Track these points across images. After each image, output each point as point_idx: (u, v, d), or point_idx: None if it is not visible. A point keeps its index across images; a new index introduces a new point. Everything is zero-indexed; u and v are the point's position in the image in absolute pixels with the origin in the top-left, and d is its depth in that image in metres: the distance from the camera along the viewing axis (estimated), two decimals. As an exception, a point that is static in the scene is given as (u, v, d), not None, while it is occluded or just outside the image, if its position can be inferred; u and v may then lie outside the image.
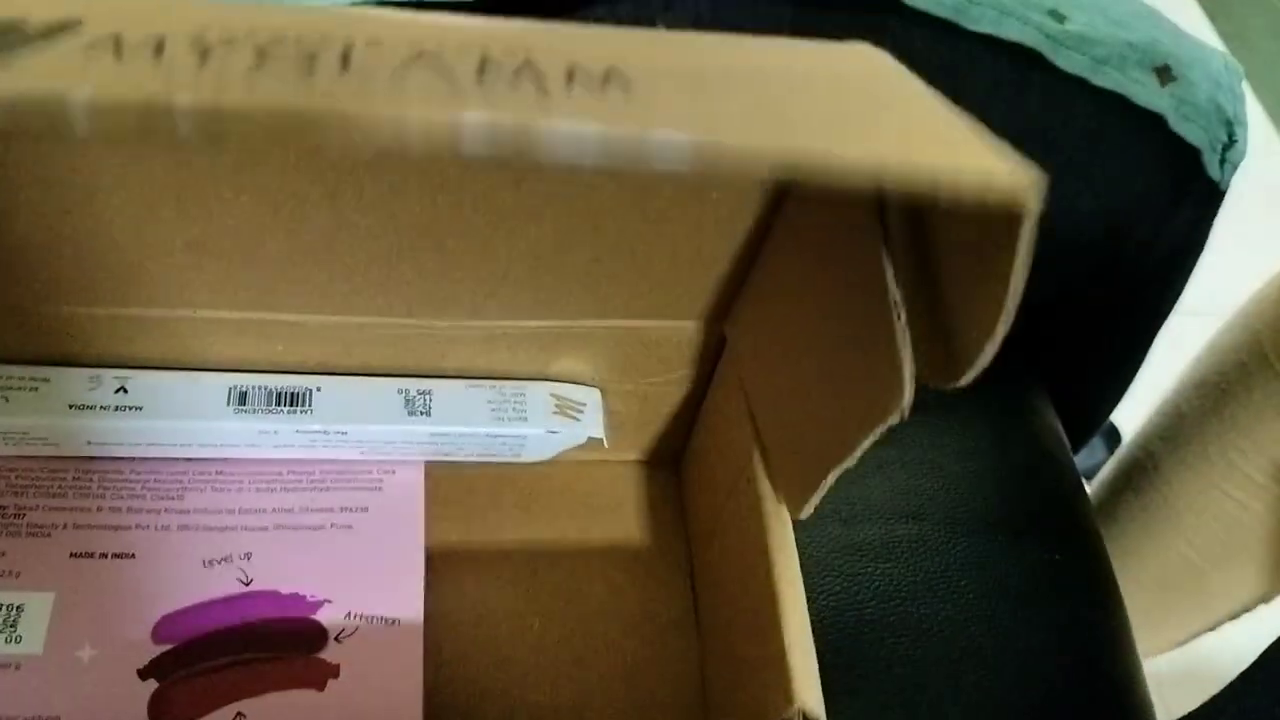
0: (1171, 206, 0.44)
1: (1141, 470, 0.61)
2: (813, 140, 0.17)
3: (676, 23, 0.39)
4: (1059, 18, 0.42)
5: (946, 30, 0.41)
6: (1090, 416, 0.53)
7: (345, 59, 0.19)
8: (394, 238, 0.30)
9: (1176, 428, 0.58)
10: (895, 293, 0.24)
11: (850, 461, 0.27)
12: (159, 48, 0.17)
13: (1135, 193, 0.44)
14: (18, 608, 0.31)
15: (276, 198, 0.28)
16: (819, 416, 0.28)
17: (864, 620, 0.40)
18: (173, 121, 0.16)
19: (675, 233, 0.31)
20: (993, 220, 0.19)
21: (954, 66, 0.42)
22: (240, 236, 0.30)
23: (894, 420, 0.24)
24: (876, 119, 0.19)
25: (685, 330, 0.36)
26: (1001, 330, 0.21)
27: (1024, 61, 0.42)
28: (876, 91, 0.21)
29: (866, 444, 0.25)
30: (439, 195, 0.29)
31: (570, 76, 0.19)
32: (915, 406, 0.43)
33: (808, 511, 0.30)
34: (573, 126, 0.16)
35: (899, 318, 0.24)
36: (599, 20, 0.39)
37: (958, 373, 0.23)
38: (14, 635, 0.31)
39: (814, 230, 0.29)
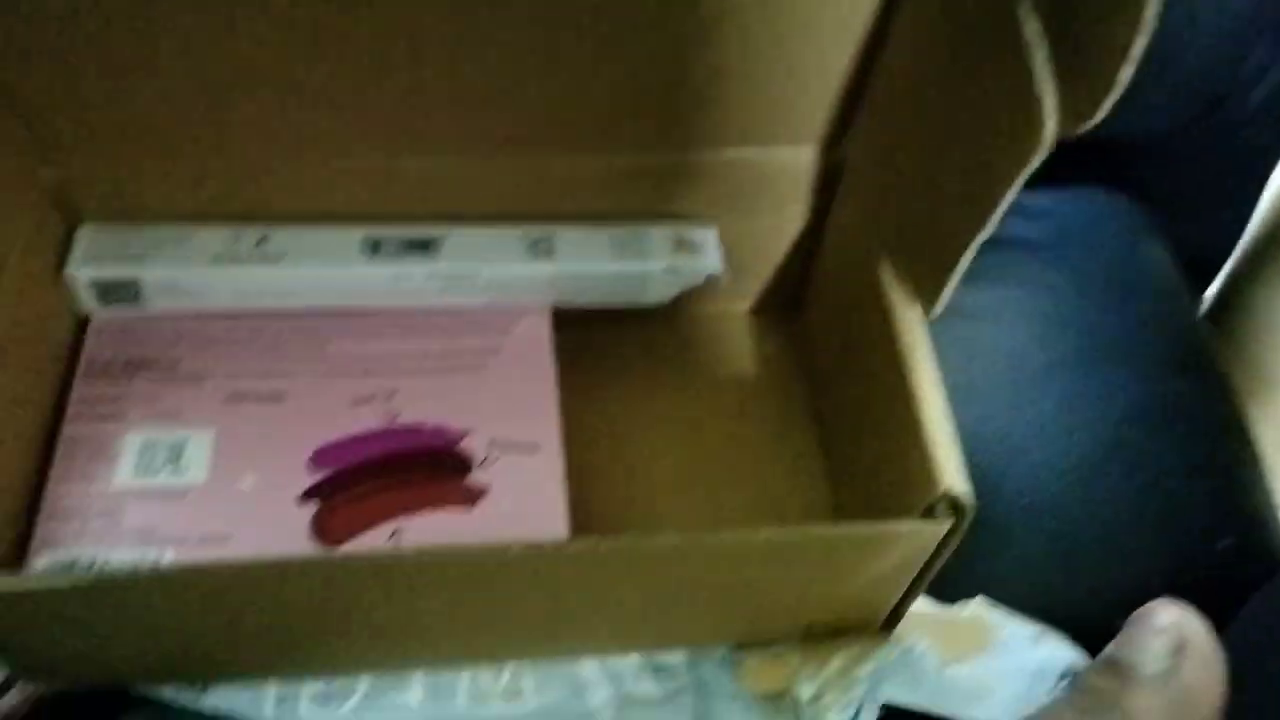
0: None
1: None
2: None
3: None
4: None
5: None
6: (1209, 258, 0.52)
7: None
8: (514, 63, 0.31)
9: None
10: (1032, 30, 0.24)
11: (990, 227, 0.27)
12: None
13: (1246, 16, 0.43)
14: (180, 444, 0.33)
15: (400, 26, 0.29)
16: (952, 195, 0.28)
17: (994, 450, 0.39)
18: None
19: (794, 44, 0.31)
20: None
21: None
22: (367, 74, 0.31)
23: (1038, 158, 0.24)
24: None
25: (802, 157, 0.36)
26: (1139, 47, 0.20)
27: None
28: None
29: (1009, 196, 0.25)
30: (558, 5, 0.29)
31: None
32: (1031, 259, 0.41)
33: (945, 300, 0.30)
34: None
35: (1038, 53, 0.24)
36: None
37: (1095, 105, 0.23)
38: (179, 468, 0.32)
39: (935, 16, 0.29)
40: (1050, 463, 0.39)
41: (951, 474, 0.29)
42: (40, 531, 0.31)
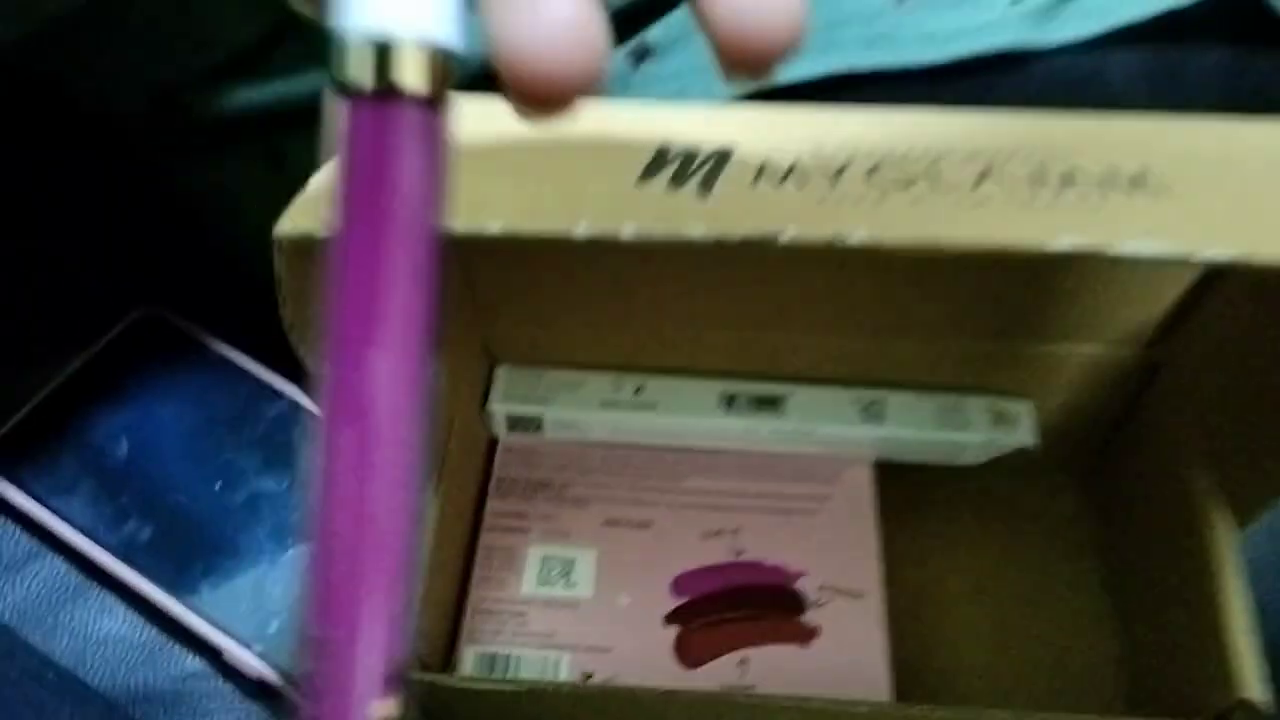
0: None
1: None
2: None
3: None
4: None
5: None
6: None
7: (933, 178, 0.25)
8: (876, 274, 0.36)
9: None
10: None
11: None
12: (834, 172, 0.24)
13: None
14: (571, 561, 0.40)
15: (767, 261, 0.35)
16: (1268, 433, 0.32)
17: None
18: (845, 247, 0.22)
19: (1130, 271, 0.35)
20: None
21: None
22: (739, 280, 0.37)
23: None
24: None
25: (1121, 355, 0.40)
26: None
27: None
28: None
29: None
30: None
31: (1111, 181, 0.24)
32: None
33: (1254, 521, 0.33)
34: (1139, 242, 0.21)
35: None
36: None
37: None
38: (570, 582, 0.40)
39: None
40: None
41: (1252, 685, 0.32)
42: (466, 627, 0.39)
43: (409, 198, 0.15)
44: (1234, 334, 0.35)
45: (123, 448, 0.44)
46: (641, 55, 0.43)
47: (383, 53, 0.15)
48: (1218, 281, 0.35)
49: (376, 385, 0.15)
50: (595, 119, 0.29)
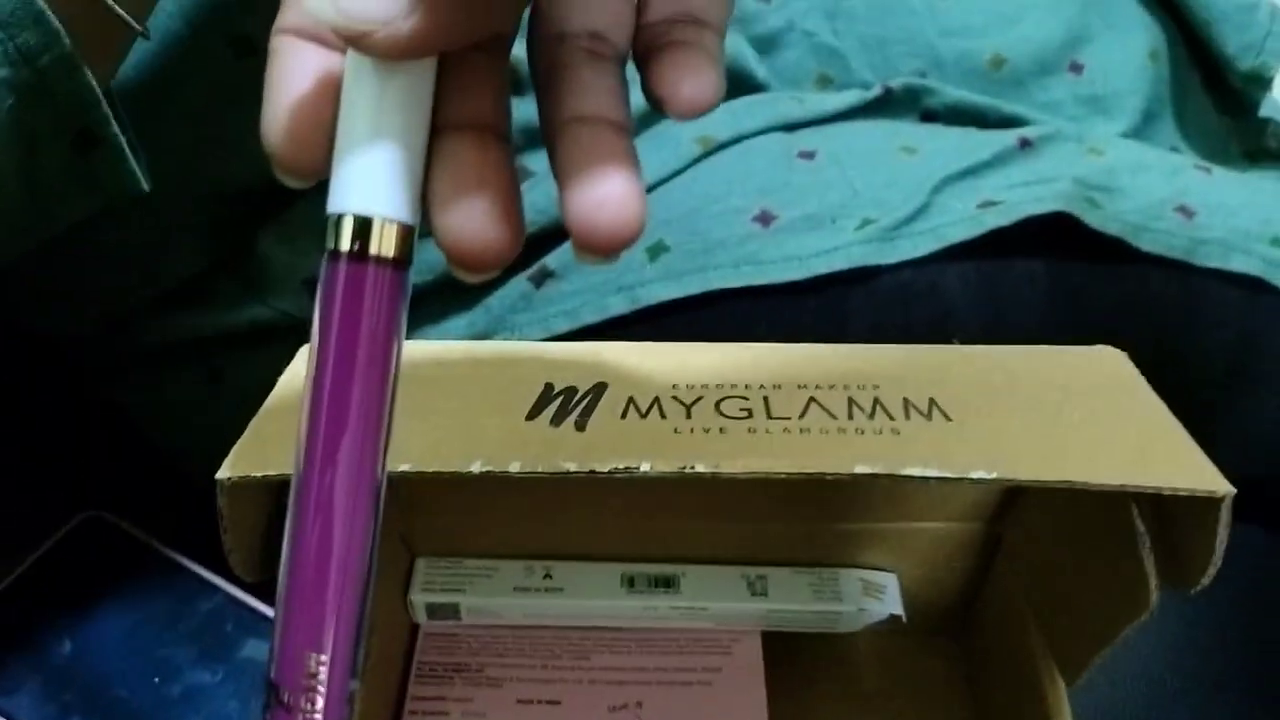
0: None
1: None
2: (1074, 468, 0.27)
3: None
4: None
5: (1178, 267, 0.50)
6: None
7: (767, 409, 0.30)
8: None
9: None
10: (1141, 528, 0.33)
11: (1110, 645, 0.35)
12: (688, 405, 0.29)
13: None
14: (487, 739, 0.44)
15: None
16: (1083, 606, 0.37)
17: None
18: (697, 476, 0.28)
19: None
20: (1201, 505, 0.29)
21: (1188, 297, 0.50)
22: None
23: (1143, 618, 0.33)
24: (1115, 436, 0.29)
25: (970, 530, 0.45)
26: (1213, 569, 0.29)
27: (1250, 288, 0.50)
28: (1116, 405, 0.30)
29: (1123, 634, 0.34)
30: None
31: (907, 409, 0.30)
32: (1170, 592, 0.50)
33: (1078, 680, 0.38)
34: (924, 469, 0.27)
35: (1144, 546, 0.33)
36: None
37: (1190, 585, 0.32)
38: (488, 758, 0.43)
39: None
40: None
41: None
42: (390, 806, 0.42)
43: (377, 332, 0.21)
44: (1053, 511, 0.41)
45: (66, 647, 0.47)
46: (542, 278, 0.49)
47: (363, 226, 0.21)
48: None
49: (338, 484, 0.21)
50: (492, 356, 0.34)
